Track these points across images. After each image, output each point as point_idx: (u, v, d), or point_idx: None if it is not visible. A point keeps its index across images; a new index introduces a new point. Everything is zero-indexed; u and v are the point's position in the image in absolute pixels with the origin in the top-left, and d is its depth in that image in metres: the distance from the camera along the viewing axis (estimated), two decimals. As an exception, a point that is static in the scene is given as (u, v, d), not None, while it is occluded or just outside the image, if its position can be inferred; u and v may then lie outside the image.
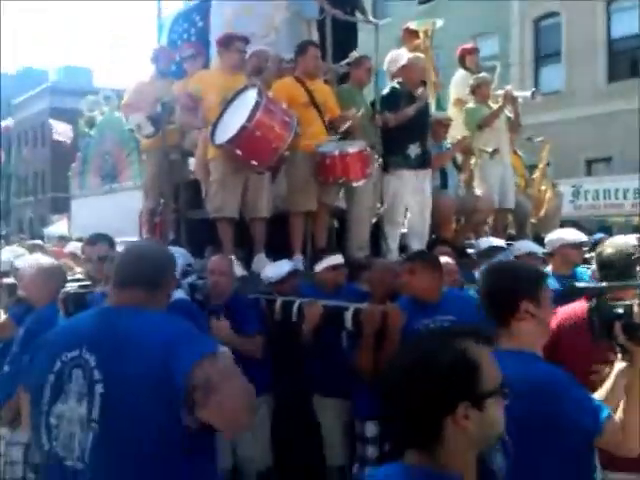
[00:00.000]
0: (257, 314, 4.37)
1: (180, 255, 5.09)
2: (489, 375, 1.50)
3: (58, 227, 21.66)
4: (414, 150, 5.81)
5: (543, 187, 7.95)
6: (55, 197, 36.97)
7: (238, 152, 4.82)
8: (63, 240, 11.17)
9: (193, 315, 3.55)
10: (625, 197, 11.10)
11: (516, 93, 7.21)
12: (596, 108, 16.21)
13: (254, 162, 4.86)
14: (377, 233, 6.01)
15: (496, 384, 1.51)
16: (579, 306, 3.01)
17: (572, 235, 4.88)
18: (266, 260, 5.23)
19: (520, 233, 7.01)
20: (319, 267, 4.55)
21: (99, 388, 1.92)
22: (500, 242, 5.58)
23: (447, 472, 1.47)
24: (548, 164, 8.87)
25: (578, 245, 4.78)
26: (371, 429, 4.00)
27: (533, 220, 7.46)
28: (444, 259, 4.63)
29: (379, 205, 6.18)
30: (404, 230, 6.01)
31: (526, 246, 5.68)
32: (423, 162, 5.91)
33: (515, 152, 7.55)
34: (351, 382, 4.01)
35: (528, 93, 7.45)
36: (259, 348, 4.17)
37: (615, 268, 3.24)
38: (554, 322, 2.92)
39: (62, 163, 21.84)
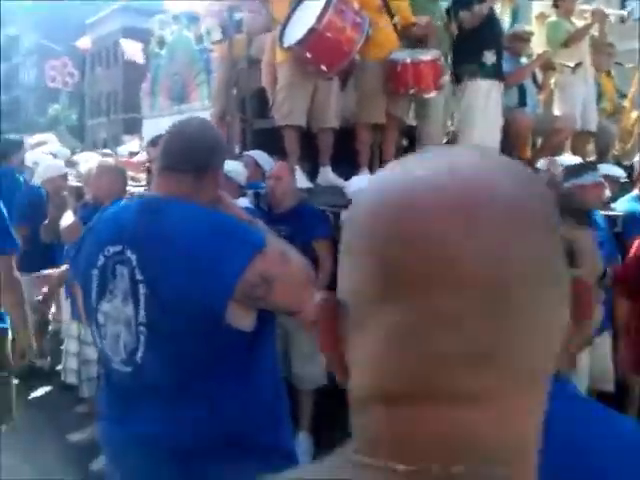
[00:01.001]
0: (326, 221, 4.22)
1: (265, 162, 5.02)
2: None
3: (131, 147, 21.89)
4: (490, 58, 5.45)
5: (633, 117, 7.43)
6: (127, 118, 37.40)
7: (308, 55, 4.60)
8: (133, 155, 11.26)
9: None
10: None
11: (607, 11, 6.70)
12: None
13: (323, 67, 4.64)
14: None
15: None
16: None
17: None
18: (332, 174, 5.08)
19: (601, 159, 6.61)
20: None
21: (142, 289, 1.75)
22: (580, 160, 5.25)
23: None
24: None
25: None
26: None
27: (616, 150, 7.03)
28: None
29: (450, 123, 5.92)
30: None
31: (606, 168, 5.36)
32: (498, 72, 5.54)
33: (608, 73, 7.06)
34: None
35: (624, 12, 6.91)
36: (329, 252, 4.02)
37: None
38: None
39: (134, 83, 21.85)
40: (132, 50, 22.16)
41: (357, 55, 4.99)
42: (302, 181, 4.80)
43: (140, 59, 21.14)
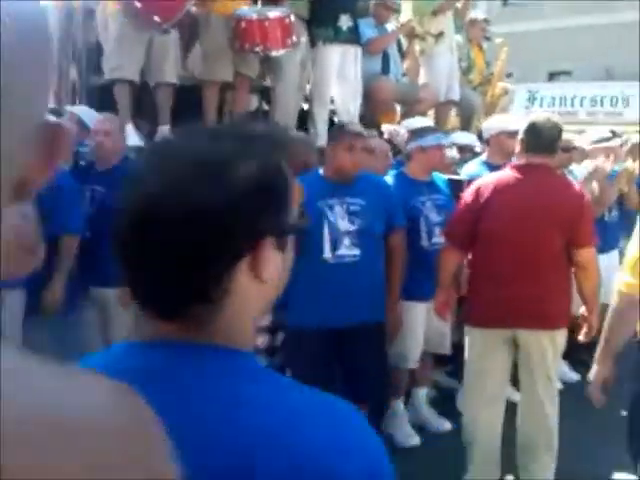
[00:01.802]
0: None
1: (91, 119, 4.51)
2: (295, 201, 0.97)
3: None
4: (345, 22, 5.20)
5: (498, 89, 7.40)
6: None
7: (138, 5, 4.20)
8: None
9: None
10: (581, 104, 10.61)
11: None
12: (562, 21, 15.63)
13: (157, 18, 4.23)
14: (306, 117, 5.48)
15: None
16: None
17: (511, 123, 4.39)
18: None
19: (465, 129, 6.49)
20: None
21: None
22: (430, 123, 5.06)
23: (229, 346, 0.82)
24: (510, 75, 8.32)
25: (515, 133, 4.29)
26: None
27: (480, 122, 6.95)
28: (375, 140, 4.17)
29: (308, 87, 5.62)
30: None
31: (458, 136, 5.22)
32: (354, 37, 5.32)
33: (479, 47, 6.97)
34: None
35: None
36: None
37: (542, 137, 3.12)
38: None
39: None
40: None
41: (201, 9, 4.65)
42: (133, 139, 4.37)
43: None
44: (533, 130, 3.14)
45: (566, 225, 2.83)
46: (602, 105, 10.64)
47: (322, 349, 3.30)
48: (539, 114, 3.39)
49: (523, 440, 3.22)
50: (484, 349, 3.20)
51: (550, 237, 3.00)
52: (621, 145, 5.72)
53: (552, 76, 16.29)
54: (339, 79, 5.33)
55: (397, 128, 4.88)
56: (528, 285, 2.78)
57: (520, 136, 3.22)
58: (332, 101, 5.51)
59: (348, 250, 3.29)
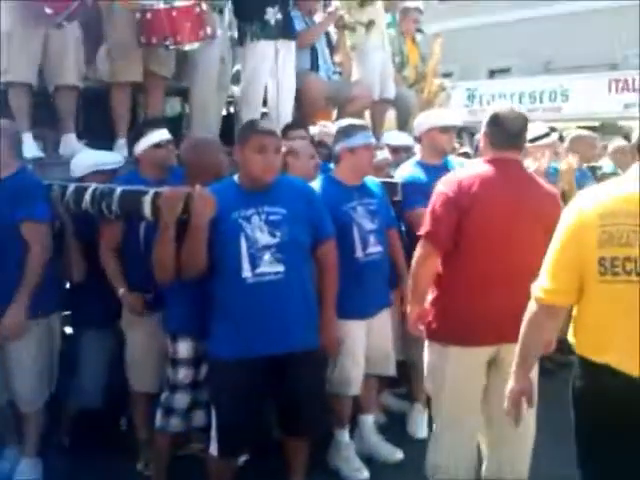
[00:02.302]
0: (36, 200, 3.30)
1: None
2: None
3: None
4: (273, 15, 4.78)
5: (433, 87, 7.07)
6: None
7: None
8: None
9: None
10: (520, 101, 10.45)
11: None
12: (499, 16, 15.56)
13: (48, 10, 3.75)
14: (232, 121, 5.07)
15: None
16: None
17: (441, 117, 4.06)
18: (77, 143, 4.18)
19: (402, 129, 6.15)
20: (139, 147, 3.55)
21: None
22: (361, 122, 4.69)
23: None
24: (450, 75, 8.06)
25: (448, 129, 3.97)
26: (183, 348, 3.15)
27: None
28: (299, 142, 3.79)
29: (233, 87, 5.22)
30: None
31: (391, 136, 4.87)
32: (285, 31, 4.90)
33: (412, 40, 6.63)
34: (158, 288, 3.14)
35: None
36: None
37: (508, 130, 2.79)
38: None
39: None
40: None
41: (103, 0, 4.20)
42: (30, 150, 3.89)
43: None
44: (496, 122, 2.78)
45: (549, 226, 2.50)
46: (541, 101, 10.50)
47: (247, 382, 2.87)
48: (502, 105, 3.00)
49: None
50: (465, 372, 2.76)
51: (538, 238, 2.59)
52: (561, 138, 5.48)
53: (492, 73, 16.22)
54: (272, 79, 4.90)
55: (328, 128, 4.51)
56: (519, 293, 2.39)
57: (483, 129, 2.85)
58: (264, 103, 5.11)
59: (270, 267, 2.85)
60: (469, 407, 2.80)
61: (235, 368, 2.85)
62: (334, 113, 5.77)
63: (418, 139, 4.07)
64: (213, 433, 2.96)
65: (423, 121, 4.02)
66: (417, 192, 3.67)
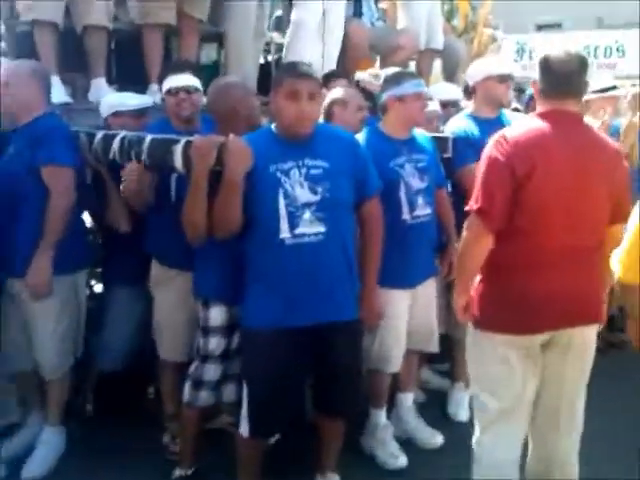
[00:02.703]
0: (60, 144, 3.07)
1: None
2: None
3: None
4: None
5: (485, 37, 6.67)
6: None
7: None
8: None
9: None
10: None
11: None
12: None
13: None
14: (269, 70, 4.78)
15: None
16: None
17: (499, 65, 3.72)
18: (107, 88, 3.96)
19: (449, 81, 5.80)
20: (163, 90, 3.30)
21: None
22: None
23: None
24: (496, 28, 7.61)
25: (506, 78, 3.63)
26: (216, 315, 2.91)
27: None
28: (346, 90, 3.50)
29: (272, 34, 4.92)
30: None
31: (440, 89, 4.53)
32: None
33: None
34: (188, 248, 2.87)
35: None
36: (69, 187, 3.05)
37: (558, 76, 2.37)
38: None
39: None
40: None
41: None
42: (58, 94, 3.66)
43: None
44: (546, 66, 2.38)
45: (616, 192, 2.17)
46: (596, 56, 9.93)
47: (284, 355, 2.62)
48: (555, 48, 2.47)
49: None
50: (523, 365, 2.40)
51: (605, 206, 2.26)
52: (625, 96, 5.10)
53: (540, 28, 15.53)
54: (320, 28, 4.57)
55: (373, 76, 4.20)
56: (585, 270, 2.09)
57: (535, 77, 2.46)
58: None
59: (310, 227, 2.57)
60: (526, 405, 2.46)
61: (270, 339, 2.61)
62: (377, 63, 5.45)
63: (470, 90, 3.74)
64: (244, 411, 2.73)
65: (479, 69, 3.68)
66: (469, 147, 3.39)
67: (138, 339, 3.45)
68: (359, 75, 4.18)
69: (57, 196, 2.98)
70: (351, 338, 2.75)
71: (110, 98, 3.54)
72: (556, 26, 15.15)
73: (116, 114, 3.38)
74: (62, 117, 3.50)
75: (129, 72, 4.37)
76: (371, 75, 4.09)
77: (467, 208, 2.37)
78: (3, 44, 4.52)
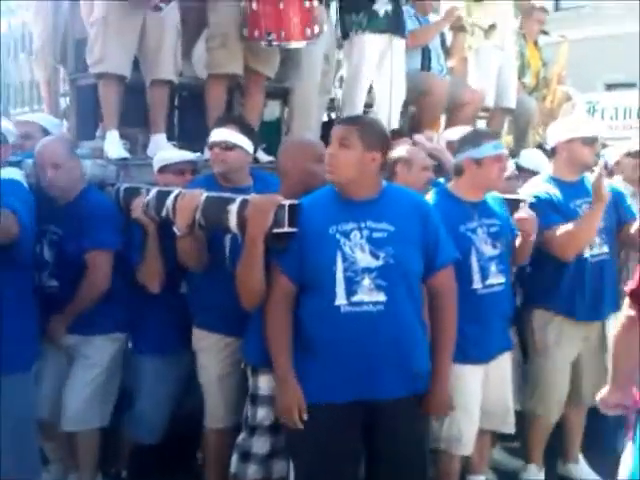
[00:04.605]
0: (107, 224, 3.14)
1: (54, 126, 3.87)
2: None
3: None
4: (383, 5, 4.33)
5: (559, 95, 6.39)
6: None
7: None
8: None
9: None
10: (647, 117, 9.58)
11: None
12: (624, 27, 14.51)
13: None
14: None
15: None
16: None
17: (585, 126, 3.47)
18: (166, 144, 3.87)
19: (520, 141, 5.59)
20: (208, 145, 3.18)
21: None
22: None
23: None
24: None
25: (591, 141, 3.39)
26: (265, 384, 2.68)
27: (538, 135, 5.97)
28: (413, 150, 3.33)
29: (336, 90, 4.82)
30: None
31: (530, 158, 4.30)
32: (396, 25, 4.44)
33: (535, 43, 6.02)
34: (241, 312, 2.68)
35: None
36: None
37: None
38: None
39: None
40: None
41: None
42: (116, 149, 3.60)
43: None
44: None
45: None
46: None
47: (329, 429, 2.39)
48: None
49: None
50: None
51: None
52: None
53: (609, 87, 15.19)
54: (379, 78, 4.46)
55: (435, 137, 4.03)
56: None
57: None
58: (368, 106, 4.67)
59: (369, 295, 2.34)
60: None
61: (316, 413, 2.39)
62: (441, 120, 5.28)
63: (552, 150, 3.50)
64: None
65: (562, 130, 3.44)
66: (553, 211, 3.17)
67: (176, 407, 3.33)
68: (418, 137, 4.00)
69: (94, 279, 3.09)
70: (413, 419, 2.47)
71: (159, 154, 3.46)
72: (628, 86, 14.81)
73: (161, 170, 3.29)
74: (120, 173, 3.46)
75: (190, 128, 4.31)
76: (427, 137, 3.91)
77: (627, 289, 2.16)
78: (67, 100, 4.55)
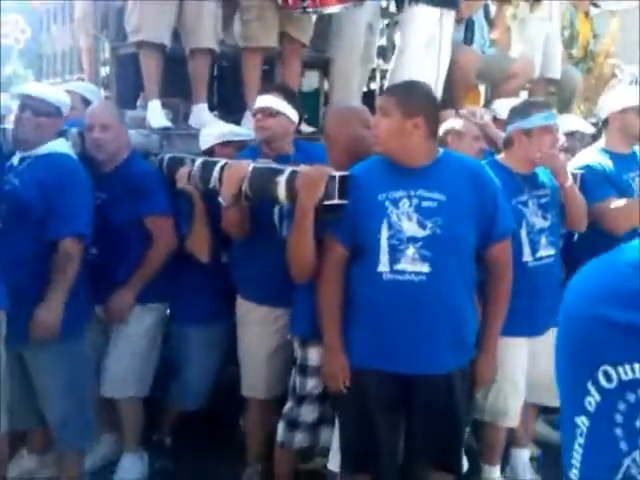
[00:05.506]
0: (159, 190, 3.13)
1: (95, 96, 3.86)
2: None
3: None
4: (437, -24, 4.21)
5: (607, 68, 6.22)
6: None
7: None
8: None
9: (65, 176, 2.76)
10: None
11: None
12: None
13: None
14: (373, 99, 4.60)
15: None
16: None
17: (638, 97, 3.37)
18: (208, 114, 3.84)
19: (563, 113, 5.45)
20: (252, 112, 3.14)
21: None
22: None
23: None
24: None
25: None
26: (315, 355, 2.67)
27: (581, 110, 5.83)
28: (463, 121, 3.27)
29: (378, 60, 4.73)
30: None
31: (569, 120, 4.20)
32: (449, -1, 4.28)
33: (586, 14, 5.85)
34: (289, 284, 2.65)
35: None
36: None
37: None
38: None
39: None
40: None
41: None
42: (158, 119, 3.57)
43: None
44: None
45: None
46: None
47: (373, 393, 2.40)
48: None
49: None
50: None
51: None
52: None
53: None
54: (429, 53, 4.31)
55: (481, 111, 3.93)
56: None
57: None
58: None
59: (412, 265, 2.29)
60: None
61: (360, 378, 2.41)
62: (482, 92, 5.17)
63: (604, 122, 3.39)
64: (334, 445, 2.56)
65: (616, 99, 3.34)
66: (606, 182, 3.07)
67: (218, 375, 3.35)
68: (465, 111, 3.91)
69: (162, 244, 3.08)
70: (453, 391, 2.42)
71: (216, 128, 3.40)
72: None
73: (225, 143, 3.24)
74: (163, 142, 3.45)
75: (230, 98, 4.27)
76: (470, 112, 3.81)
77: None
78: (107, 69, 4.55)
